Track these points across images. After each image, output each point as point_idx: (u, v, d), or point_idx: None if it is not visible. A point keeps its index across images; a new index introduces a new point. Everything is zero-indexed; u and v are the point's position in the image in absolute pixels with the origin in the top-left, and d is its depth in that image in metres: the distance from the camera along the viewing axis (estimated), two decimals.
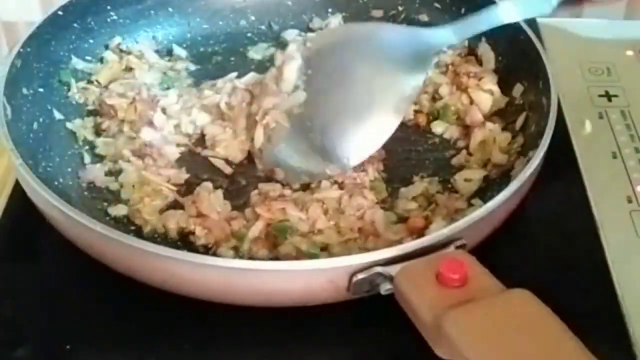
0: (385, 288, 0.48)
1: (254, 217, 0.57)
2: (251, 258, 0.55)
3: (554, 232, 0.60)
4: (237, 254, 0.55)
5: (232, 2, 0.77)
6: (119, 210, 0.59)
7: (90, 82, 0.69)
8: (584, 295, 0.54)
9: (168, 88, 0.69)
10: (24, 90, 0.62)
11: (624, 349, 0.51)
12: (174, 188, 0.61)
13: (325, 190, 0.59)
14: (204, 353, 0.51)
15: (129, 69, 0.71)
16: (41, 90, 0.64)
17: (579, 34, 0.80)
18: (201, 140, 0.65)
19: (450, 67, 0.70)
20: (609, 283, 0.55)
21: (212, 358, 0.52)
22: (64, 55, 0.68)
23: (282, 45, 0.75)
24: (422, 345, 0.45)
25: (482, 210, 0.51)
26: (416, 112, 0.68)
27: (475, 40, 0.70)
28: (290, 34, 0.76)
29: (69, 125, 0.65)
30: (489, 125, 0.64)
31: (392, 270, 0.47)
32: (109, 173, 0.62)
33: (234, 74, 0.70)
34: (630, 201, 0.62)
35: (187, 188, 0.61)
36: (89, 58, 0.70)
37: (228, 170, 0.63)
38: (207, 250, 0.56)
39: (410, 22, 0.75)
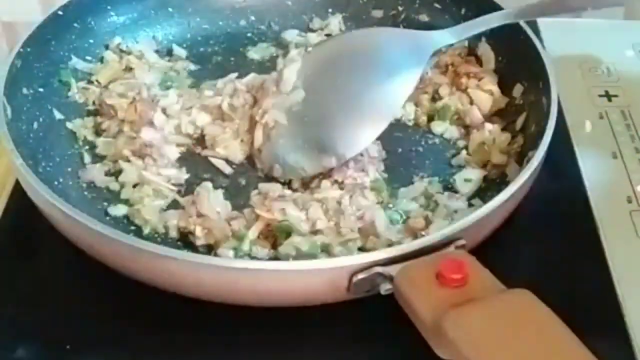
0: (385, 288, 0.48)
1: (253, 217, 0.57)
2: (251, 258, 0.55)
3: (554, 232, 0.60)
4: (237, 254, 0.55)
5: (232, 2, 0.77)
6: (119, 210, 0.59)
7: (90, 82, 0.69)
8: (584, 295, 0.54)
9: (168, 88, 0.69)
10: (24, 90, 0.62)
11: (624, 348, 0.51)
12: (174, 188, 0.61)
13: (326, 190, 0.59)
14: (204, 353, 0.51)
15: (129, 69, 0.71)
16: (41, 90, 0.64)
17: (579, 34, 0.80)
18: (201, 140, 0.65)
19: (450, 67, 0.70)
20: (609, 283, 0.55)
21: (212, 358, 0.52)
22: (64, 55, 0.68)
23: (282, 45, 0.76)
24: (422, 345, 0.45)
25: (482, 210, 0.51)
26: (416, 112, 0.68)
27: (475, 40, 0.70)
28: (290, 34, 0.76)
29: (69, 125, 0.65)
30: (488, 126, 0.64)
31: (392, 270, 0.47)
32: (109, 173, 0.62)
33: (234, 74, 0.70)
34: (630, 201, 0.62)
35: (187, 188, 0.61)
36: (89, 58, 0.70)
37: (228, 170, 0.63)
38: (207, 250, 0.56)
39: (410, 22, 0.75)
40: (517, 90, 0.66)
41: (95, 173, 0.62)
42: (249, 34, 0.77)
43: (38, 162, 0.59)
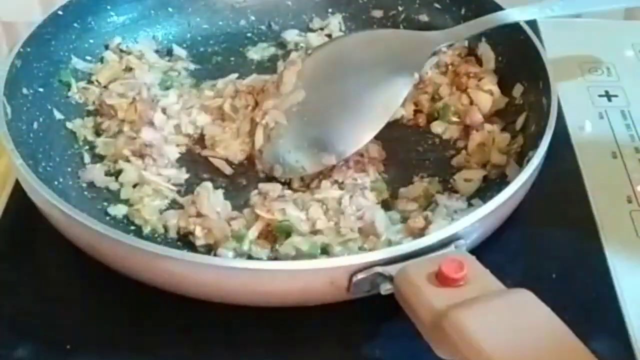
0: (385, 288, 0.48)
1: (253, 217, 0.57)
2: (251, 258, 0.55)
3: (554, 232, 0.60)
4: (237, 254, 0.55)
5: (232, 2, 0.77)
6: (118, 210, 0.59)
7: (90, 82, 0.69)
8: (584, 295, 0.55)
9: (168, 88, 0.69)
10: (24, 90, 0.62)
11: (624, 348, 0.51)
12: (174, 188, 0.61)
13: (326, 190, 0.59)
14: (204, 353, 0.51)
15: (129, 69, 0.71)
16: (41, 90, 0.64)
17: (579, 34, 0.80)
18: (201, 140, 0.65)
19: (450, 67, 0.71)
20: (609, 283, 0.55)
21: (211, 358, 0.52)
22: (64, 55, 0.68)
23: (282, 45, 0.76)
24: (422, 345, 0.45)
25: (482, 210, 0.51)
26: (416, 112, 0.68)
27: (475, 40, 0.70)
28: (290, 34, 0.76)
29: (69, 125, 0.65)
30: (488, 127, 0.64)
31: (392, 270, 0.47)
32: (109, 173, 0.62)
33: (235, 75, 0.70)
34: (630, 201, 0.62)
35: (187, 188, 0.61)
36: (89, 58, 0.70)
37: (228, 170, 0.63)
38: (207, 250, 0.56)
39: (410, 22, 0.75)
40: (517, 90, 0.66)
41: (95, 173, 0.62)
42: (249, 34, 0.77)
43: (38, 162, 0.59)
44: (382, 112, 0.62)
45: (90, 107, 0.67)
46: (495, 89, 0.67)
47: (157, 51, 0.74)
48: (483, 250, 0.50)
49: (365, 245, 0.56)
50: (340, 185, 0.60)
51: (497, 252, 0.54)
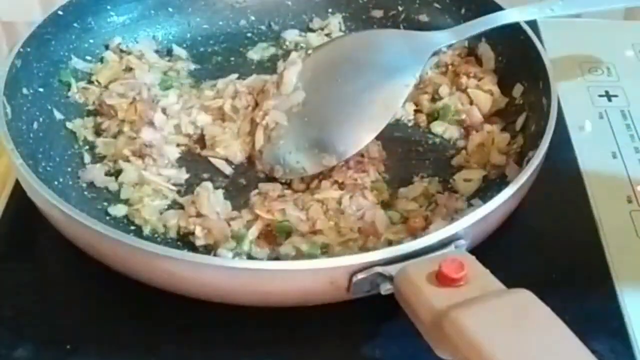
0: (385, 288, 0.48)
1: (253, 217, 0.57)
2: (251, 258, 0.55)
3: (554, 232, 0.60)
4: (237, 254, 0.55)
5: (232, 2, 0.77)
6: (118, 210, 0.59)
7: (90, 82, 0.69)
8: (584, 295, 0.55)
9: (168, 88, 0.69)
10: (24, 90, 0.62)
11: (624, 348, 0.51)
12: (174, 188, 0.61)
13: (326, 190, 0.59)
14: (204, 353, 0.51)
15: (129, 69, 0.71)
16: (41, 90, 0.64)
17: (579, 34, 0.80)
18: (201, 140, 0.65)
19: (450, 67, 0.71)
20: (609, 283, 0.55)
21: (212, 358, 0.52)
22: (64, 55, 0.68)
23: (282, 45, 0.76)
24: (422, 345, 0.45)
25: (482, 210, 0.51)
26: (416, 112, 0.68)
27: (475, 40, 0.70)
28: (290, 34, 0.76)
29: (69, 125, 0.65)
30: (487, 127, 0.64)
31: (392, 270, 0.47)
32: (108, 173, 0.62)
33: (235, 75, 0.70)
34: (630, 201, 0.62)
35: (187, 188, 0.61)
36: (89, 58, 0.70)
37: (228, 170, 0.63)
38: (207, 250, 0.56)
39: (410, 22, 0.75)
40: (517, 90, 0.66)
41: (95, 173, 0.62)
42: (249, 34, 0.77)
43: (38, 162, 0.59)
44: (382, 113, 0.62)
45: (90, 107, 0.67)
46: (495, 89, 0.67)
47: (157, 51, 0.74)
48: (483, 250, 0.50)
49: (366, 245, 0.56)
50: (340, 186, 0.60)
51: (497, 252, 0.54)
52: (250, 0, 0.78)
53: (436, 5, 0.74)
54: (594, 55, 0.77)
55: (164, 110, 0.66)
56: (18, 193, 0.59)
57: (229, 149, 0.64)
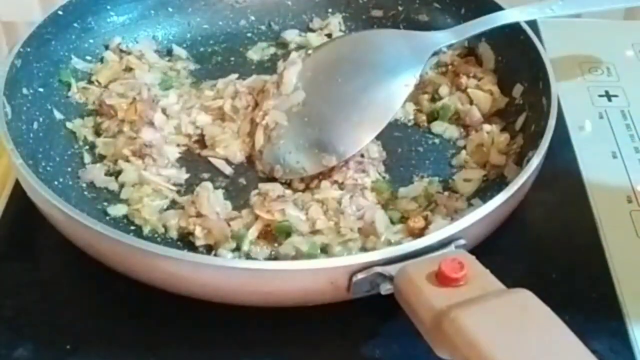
0: (385, 288, 0.48)
1: (253, 217, 0.57)
2: (251, 258, 0.55)
3: (554, 232, 0.60)
4: (237, 254, 0.55)
5: (232, 2, 0.77)
6: (118, 210, 0.59)
7: (90, 82, 0.69)
8: (584, 295, 0.55)
9: (168, 88, 0.69)
10: (24, 90, 0.62)
11: (624, 348, 0.51)
12: (174, 188, 0.61)
13: (326, 190, 0.59)
14: (204, 353, 0.51)
15: (129, 69, 0.71)
16: (41, 90, 0.64)
17: (579, 34, 0.80)
18: (201, 140, 0.65)
19: (450, 67, 0.71)
20: (608, 283, 0.55)
21: (212, 358, 0.52)
22: (64, 55, 0.68)
23: (282, 45, 0.76)
24: (422, 345, 0.45)
25: (482, 210, 0.51)
26: (416, 112, 0.68)
27: (475, 40, 0.70)
28: (290, 34, 0.76)
29: (69, 125, 0.65)
30: (487, 127, 0.64)
31: (392, 270, 0.47)
32: (108, 173, 0.62)
33: (235, 75, 0.70)
34: (630, 201, 0.62)
35: (187, 188, 0.61)
36: (89, 58, 0.70)
37: (228, 170, 0.63)
38: (207, 250, 0.56)
39: (410, 22, 0.75)
40: (517, 90, 0.66)
41: (95, 173, 0.62)
42: (249, 34, 0.77)
43: (38, 162, 0.59)
44: (382, 113, 0.62)
45: (90, 107, 0.67)
46: (495, 89, 0.67)
47: (157, 51, 0.74)
48: (483, 250, 0.50)
49: (366, 245, 0.56)
50: (340, 186, 0.60)
51: (497, 252, 0.54)
52: (250, 0, 0.78)
53: (436, 5, 0.74)
54: (594, 55, 0.77)
55: (164, 110, 0.66)
56: (18, 193, 0.59)
57: (229, 149, 0.64)
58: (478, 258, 0.47)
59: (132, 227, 0.58)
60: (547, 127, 0.57)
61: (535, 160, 0.54)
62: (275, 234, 0.56)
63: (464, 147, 0.65)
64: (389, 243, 0.55)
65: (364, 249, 0.56)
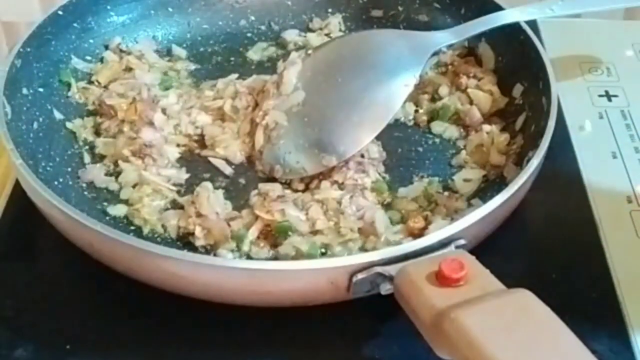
0: (385, 288, 0.48)
1: (253, 217, 0.57)
2: (251, 258, 0.55)
3: (554, 232, 0.60)
4: (237, 254, 0.55)
5: (232, 2, 0.77)
6: (118, 210, 0.59)
7: (90, 82, 0.69)
8: (584, 295, 0.55)
9: (168, 88, 0.69)
10: (24, 90, 0.62)
11: (624, 348, 0.51)
12: (174, 188, 0.61)
13: (326, 190, 0.59)
14: (204, 353, 0.51)
15: (129, 69, 0.71)
16: (41, 90, 0.64)
17: (579, 34, 0.80)
18: (201, 140, 0.65)
19: (450, 67, 0.71)
20: (609, 283, 0.55)
21: (212, 358, 0.52)
22: (64, 55, 0.68)
23: (282, 45, 0.76)
24: (422, 345, 0.44)
25: (482, 210, 0.51)
26: (416, 112, 0.68)
27: (475, 40, 0.70)
28: (290, 34, 0.76)
29: (69, 125, 0.65)
30: (486, 127, 0.64)
31: (392, 270, 0.47)
32: (108, 173, 0.62)
33: (235, 75, 0.70)
34: (630, 201, 0.62)
35: (187, 188, 0.61)
36: (89, 58, 0.70)
37: (228, 170, 0.63)
38: (207, 250, 0.56)
39: (410, 22, 0.75)
40: (517, 90, 0.66)
41: (95, 173, 0.62)
42: (249, 34, 0.77)
43: (38, 162, 0.59)
44: (382, 113, 0.62)
45: (90, 107, 0.67)
46: (495, 89, 0.67)
47: (157, 51, 0.74)
48: (483, 250, 0.50)
49: (365, 245, 0.56)
50: (340, 186, 0.60)
51: (497, 252, 0.54)
52: (250, 0, 0.78)
53: (436, 5, 0.74)
54: (594, 55, 0.77)
55: (164, 110, 0.66)
56: (18, 193, 0.59)
57: (228, 149, 0.64)
58: (478, 258, 0.47)
59: (132, 227, 0.58)
60: (547, 127, 0.57)
61: (535, 160, 0.54)
62: (275, 234, 0.56)
63: (464, 147, 0.65)
64: (389, 243, 0.55)
65: (364, 249, 0.56)
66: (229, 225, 0.57)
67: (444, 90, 0.68)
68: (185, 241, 0.57)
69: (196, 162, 0.64)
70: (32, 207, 0.55)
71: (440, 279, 0.45)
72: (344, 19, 0.77)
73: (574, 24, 0.81)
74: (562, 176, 0.63)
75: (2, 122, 0.56)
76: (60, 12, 0.67)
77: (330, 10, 0.78)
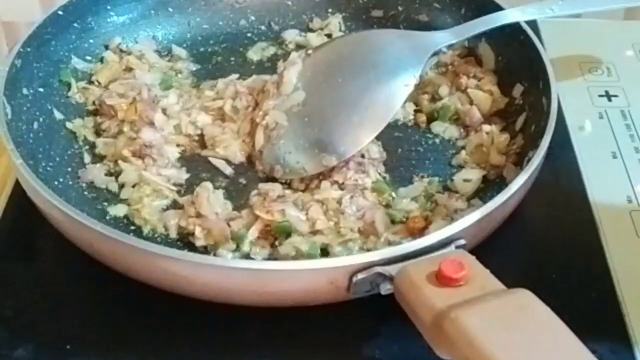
0: (385, 288, 0.48)
1: (253, 218, 0.57)
2: (251, 258, 0.55)
3: (554, 232, 0.60)
4: (237, 254, 0.55)
5: (232, 2, 0.77)
6: (118, 210, 0.59)
7: (90, 82, 0.69)
8: (584, 295, 0.55)
9: (168, 88, 0.69)
10: (24, 90, 0.62)
11: (624, 348, 0.51)
12: (174, 188, 0.61)
13: (326, 190, 0.59)
14: (204, 353, 0.51)
15: (129, 69, 0.71)
16: (41, 90, 0.64)
17: (579, 34, 0.80)
18: (201, 140, 0.65)
19: (450, 67, 0.71)
20: (609, 283, 0.55)
21: (212, 358, 0.52)
22: (64, 55, 0.68)
23: (282, 45, 0.76)
24: (422, 345, 0.45)
25: (482, 210, 0.51)
26: (416, 112, 0.68)
27: (475, 40, 0.70)
28: (290, 34, 0.76)
29: (69, 125, 0.65)
30: (486, 128, 0.64)
31: (392, 270, 0.47)
32: (108, 173, 0.62)
33: (235, 75, 0.70)
34: (630, 201, 0.62)
35: (187, 188, 0.61)
36: (89, 58, 0.70)
37: (228, 170, 0.63)
38: (206, 250, 0.56)
39: (410, 22, 0.75)
40: (517, 90, 0.66)
41: (95, 173, 0.62)
42: (249, 34, 0.77)
43: (38, 162, 0.59)
44: (382, 113, 0.62)
45: (90, 107, 0.67)
46: (495, 89, 0.67)
47: (157, 51, 0.74)
48: (483, 250, 0.50)
49: (365, 245, 0.56)
50: (341, 186, 0.60)
51: (497, 252, 0.54)
52: (250, 0, 0.78)
53: (436, 5, 0.74)
54: (594, 55, 0.77)
55: (164, 111, 0.66)
56: (18, 193, 0.59)
57: (229, 149, 0.64)
58: (478, 258, 0.47)
59: (132, 227, 0.58)
60: (547, 127, 0.57)
61: (535, 160, 0.54)
62: (275, 234, 0.56)
63: (464, 147, 0.65)
64: (389, 243, 0.55)
65: (364, 249, 0.56)
66: (229, 225, 0.57)
67: (444, 90, 0.68)
68: (185, 241, 0.57)
69: (196, 162, 0.64)
70: (32, 207, 0.55)
71: (440, 279, 0.45)
72: (344, 19, 0.77)
73: (574, 24, 0.81)
74: (562, 176, 0.63)
75: (2, 122, 0.56)
76: (60, 12, 0.67)
77: (330, 10, 0.78)
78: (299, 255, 0.55)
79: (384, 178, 0.62)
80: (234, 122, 0.66)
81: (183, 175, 0.62)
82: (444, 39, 0.65)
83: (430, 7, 0.75)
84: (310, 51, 0.66)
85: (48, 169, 0.60)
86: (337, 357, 0.52)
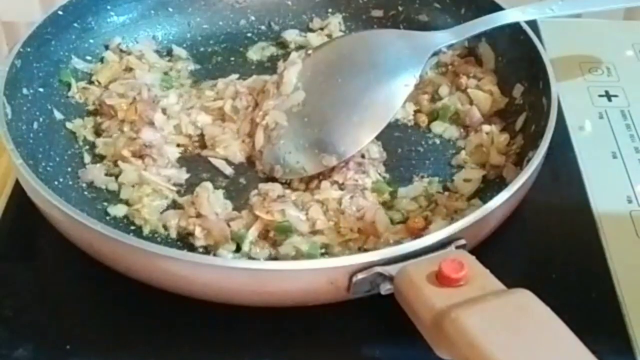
0: (385, 288, 0.48)
1: (253, 218, 0.57)
2: (251, 258, 0.55)
3: (554, 232, 0.60)
4: (237, 254, 0.55)
5: (232, 2, 0.77)
6: (118, 210, 0.59)
7: (90, 82, 0.69)
8: (584, 295, 0.55)
9: (168, 88, 0.69)
10: (24, 90, 0.62)
11: (624, 348, 0.51)
12: (174, 188, 0.61)
13: (326, 190, 0.59)
14: (204, 353, 0.51)
15: (129, 69, 0.71)
16: (41, 90, 0.64)
17: (579, 34, 0.80)
18: (201, 140, 0.65)
19: (450, 67, 0.71)
20: (609, 283, 0.55)
21: (212, 358, 0.52)
22: (64, 55, 0.68)
23: (282, 45, 0.76)
24: (422, 345, 0.45)
25: (482, 210, 0.51)
26: (416, 112, 0.68)
27: (475, 40, 0.70)
28: (290, 34, 0.76)
29: (69, 125, 0.65)
30: (486, 128, 0.64)
31: (392, 270, 0.47)
32: (108, 173, 0.62)
33: (235, 75, 0.70)
34: (630, 201, 0.62)
35: (187, 188, 0.61)
36: (89, 58, 0.70)
37: (228, 170, 0.63)
38: (206, 251, 0.56)
39: (410, 22, 0.75)
40: (517, 90, 0.66)
41: (95, 173, 0.62)
42: (249, 34, 0.77)
43: (38, 162, 0.59)
44: (382, 113, 0.62)
45: (90, 107, 0.67)
46: (495, 89, 0.67)
47: (157, 51, 0.74)
48: (483, 250, 0.50)
49: (365, 245, 0.56)
50: (341, 186, 0.60)
51: (497, 252, 0.54)
52: (250, 0, 0.78)
53: (436, 5, 0.74)
54: (594, 55, 0.77)
55: (164, 111, 0.66)
56: (18, 193, 0.59)
57: (229, 149, 0.64)
58: (478, 258, 0.47)
59: (132, 227, 0.58)
60: (547, 127, 0.57)
61: (535, 160, 0.54)
62: (275, 234, 0.56)
63: (464, 147, 0.65)
64: (389, 243, 0.55)
65: (364, 249, 0.56)
66: (229, 225, 0.57)
67: (444, 90, 0.68)
68: (185, 241, 0.57)
69: (196, 162, 0.64)
70: (32, 207, 0.55)
71: (441, 279, 0.45)
72: (344, 19, 0.77)
73: (574, 24, 0.81)
74: (562, 176, 0.63)
75: (2, 122, 0.56)
76: (60, 12, 0.67)
77: (330, 10, 0.78)
78: (299, 255, 0.55)
79: (384, 178, 0.62)
80: (234, 122, 0.66)
81: (183, 175, 0.62)
82: (444, 39, 0.65)
83: (430, 7, 0.75)
84: (310, 51, 0.66)
85: (48, 169, 0.60)
86: (337, 357, 0.52)
